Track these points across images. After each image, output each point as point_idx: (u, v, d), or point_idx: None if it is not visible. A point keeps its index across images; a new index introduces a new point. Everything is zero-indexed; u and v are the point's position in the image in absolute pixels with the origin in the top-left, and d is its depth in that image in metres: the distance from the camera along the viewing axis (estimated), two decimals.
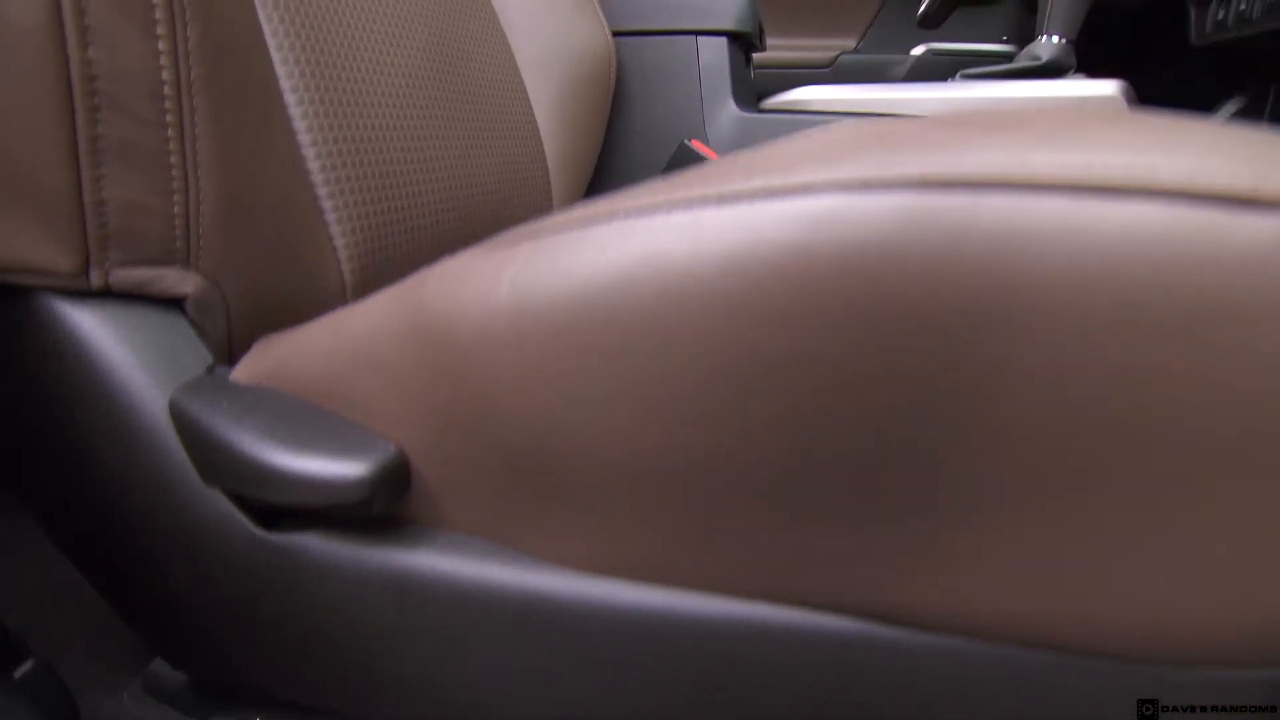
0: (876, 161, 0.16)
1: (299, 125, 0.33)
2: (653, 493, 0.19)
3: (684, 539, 0.20)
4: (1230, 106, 0.81)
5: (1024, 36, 1.33)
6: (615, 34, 0.68)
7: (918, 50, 1.36)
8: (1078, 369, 0.15)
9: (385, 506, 0.23)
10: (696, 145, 0.67)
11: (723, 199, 0.16)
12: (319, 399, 0.25)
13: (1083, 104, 0.63)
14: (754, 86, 0.79)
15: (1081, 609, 0.17)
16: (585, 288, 0.18)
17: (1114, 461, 0.15)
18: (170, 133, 0.24)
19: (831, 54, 1.43)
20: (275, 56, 0.32)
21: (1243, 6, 0.71)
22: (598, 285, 0.18)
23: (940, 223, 0.15)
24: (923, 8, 1.08)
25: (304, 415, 0.24)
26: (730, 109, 0.69)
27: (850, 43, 1.45)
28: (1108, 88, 0.63)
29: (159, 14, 0.22)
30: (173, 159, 0.24)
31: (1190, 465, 0.15)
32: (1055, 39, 0.67)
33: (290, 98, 0.33)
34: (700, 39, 0.68)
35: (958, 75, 0.69)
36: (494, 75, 0.54)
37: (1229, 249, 0.14)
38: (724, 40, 0.68)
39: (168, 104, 0.23)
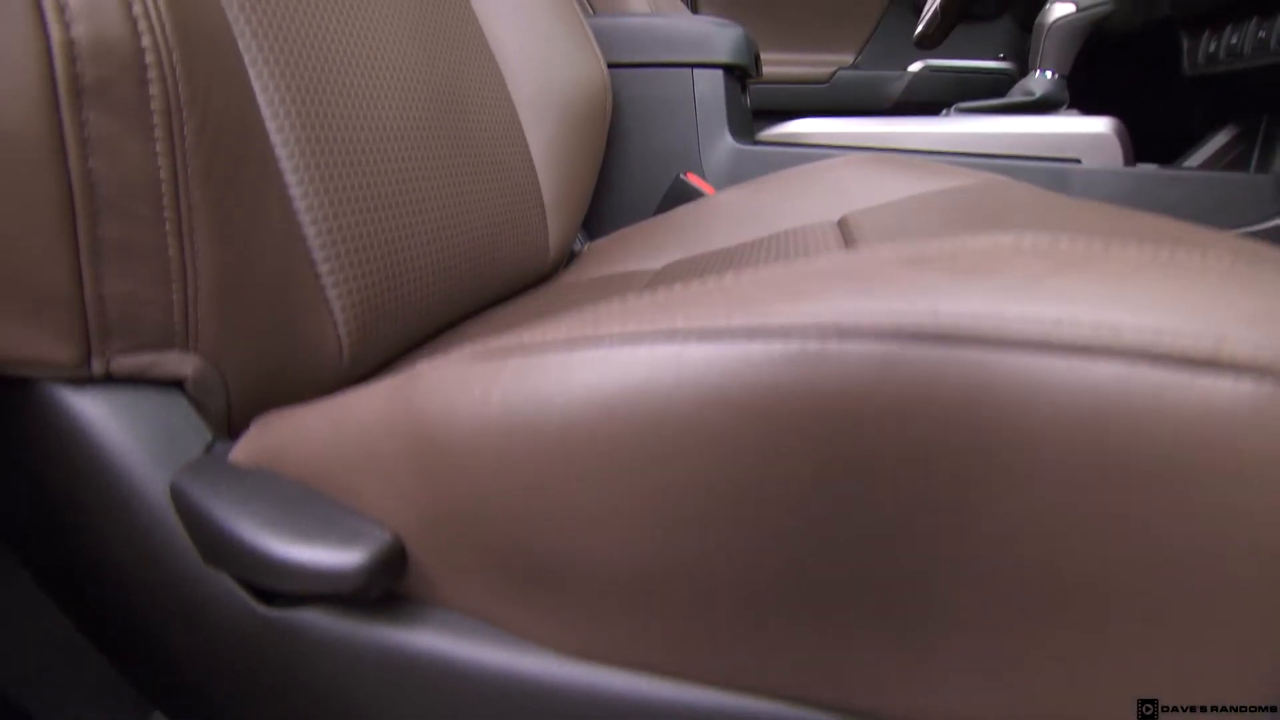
0: (855, 305, 0.16)
1: (296, 195, 0.34)
2: (637, 594, 0.20)
3: (667, 635, 0.21)
4: (1222, 136, 0.81)
5: (1020, 53, 1.34)
6: (611, 65, 0.68)
7: (915, 67, 1.37)
8: (1038, 517, 0.15)
9: (381, 590, 0.24)
10: (692, 179, 0.68)
11: (704, 335, 0.17)
12: (316, 484, 0.25)
13: (1076, 141, 0.64)
14: (750, 116, 0.79)
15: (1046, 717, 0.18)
16: (571, 414, 0.18)
17: (1071, 598, 0.16)
18: (169, 227, 0.24)
19: (829, 70, 1.43)
20: (274, 133, 0.33)
21: (1233, 40, 0.72)
22: (584, 413, 0.18)
23: (912, 374, 0.15)
24: (920, 28, 1.09)
25: (302, 503, 0.25)
26: (726, 141, 0.70)
27: (848, 58, 1.45)
28: (1099, 125, 0.63)
29: (157, 117, 0.23)
30: (171, 251, 0.25)
31: (1139, 604, 0.15)
32: (1048, 74, 0.67)
33: (287, 166, 0.33)
34: (696, 71, 0.69)
35: (952, 109, 0.69)
36: (491, 119, 0.55)
37: (1187, 410, 0.14)
38: (719, 72, 0.69)
39: (165, 201, 0.24)
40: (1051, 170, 0.63)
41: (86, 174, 0.22)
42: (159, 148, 0.23)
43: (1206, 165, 0.82)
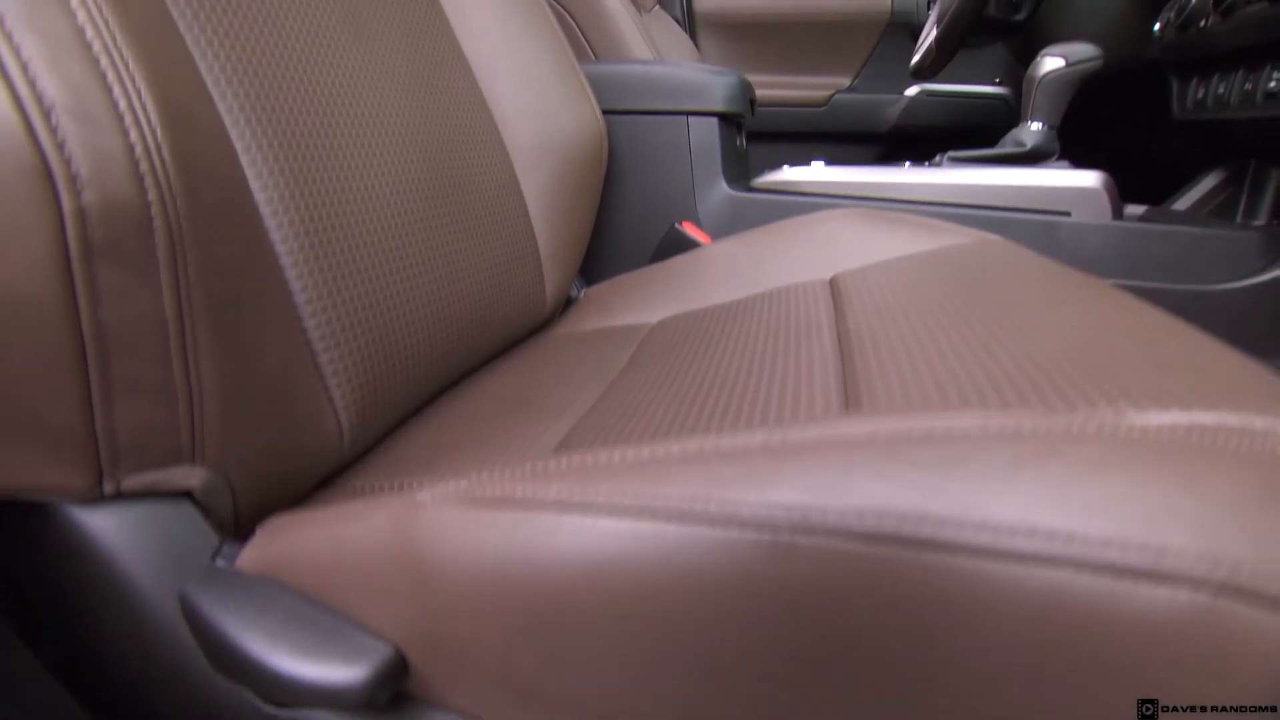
0: (822, 502, 0.17)
1: (295, 289, 0.35)
2: None
3: None
4: (1211, 179, 0.82)
5: (1015, 77, 1.35)
6: (606, 112, 0.69)
7: (911, 91, 1.38)
8: (984, 704, 0.17)
9: (385, 700, 0.25)
10: (687, 228, 0.69)
11: (683, 518, 0.18)
12: (320, 596, 0.27)
13: (1065, 194, 0.65)
14: (746, 158, 0.80)
15: None
16: (559, 576, 0.20)
17: None
18: (175, 359, 0.25)
19: (827, 93, 1.44)
20: (273, 230, 0.34)
21: (1220, 90, 0.73)
22: (569, 577, 0.19)
23: (873, 571, 0.16)
24: (916, 59, 1.09)
25: (307, 618, 0.26)
26: (721, 188, 0.71)
27: (845, 81, 1.46)
28: (1089, 179, 0.64)
29: (162, 263, 0.24)
30: (178, 381, 0.26)
31: None
32: (1039, 125, 0.68)
33: (286, 262, 0.34)
34: (691, 119, 0.70)
35: (945, 157, 0.70)
36: (487, 175, 0.56)
37: (1127, 616, 0.15)
38: (714, 120, 0.70)
39: (172, 337, 0.25)
40: (1042, 223, 0.64)
41: (97, 323, 0.23)
42: (165, 290, 0.24)
43: (1195, 207, 0.83)
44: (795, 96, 1.46)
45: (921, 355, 0.32)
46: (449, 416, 0.45)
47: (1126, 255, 0.63)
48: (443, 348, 0.46)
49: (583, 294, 0.70)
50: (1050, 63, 0.66)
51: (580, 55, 0.95)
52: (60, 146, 0.21)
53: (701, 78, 0.69)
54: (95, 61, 0.22)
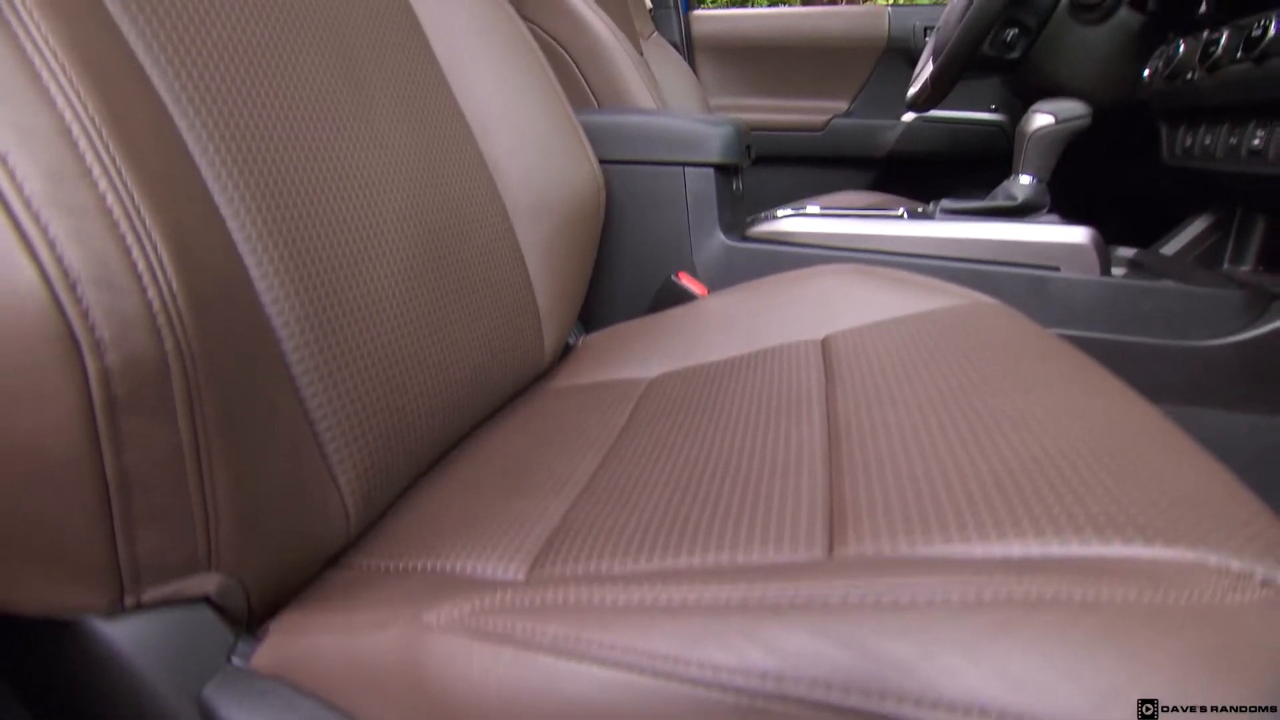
0: (795, 668, 0.19)
1: (302, 385, 0.36)
2: None
3: None
4: (1199, 224, 0.84)
5: (1011, 106, 1.36)
6: (605, 161, 0.71)
7: (908, 117, 1.39)
8: None
9: None
10: (683, 279, 0.71)
11: (670, 675, 0.20)
12: (331, 699, 0.28)
13: (1055, 250, 0.66)
14: (743, 203, 0.81)
15: None
16: (558, 714, 0.21)
17: None
18: (192, 487, 0.27)
19: (825, 117, 1.46)
20: (279, 329, 0.35)
21: (1207, 141, 0.75)
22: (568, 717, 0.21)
23: None
24: (913, 91, 1.11)
25: None
26: (718, 237, 0.72)
27: (842, 105, 1.47)
28: (1078, 235, 0.66)
29: (179, 405, 0.25)
30: (194, 506, 0.27)
31: None
32: (1029, 179, 0.70)
33: (293, 359, 0.36)
34: (688, 169, 0.71)
35: (939, 208, 0.72)
36: (486, 237, 0.57)
37: None
38: (711, 171, 0.71)
39: (189, 469, 0.26)
40: (1032, 278, 0.66)
41: (120, 467, 0.24)
42: (182, 428, 0.25)
43: (1183, 252, 0.84)
44: (793, 121, 1.47)
45: (905, 458, 0.33)
46: (450, 487, 0.46)
47: (1114, 310, 0.65)
48: (444, 418, 0.47)
49: (580, 341, 0.72)
50: (1040, 119, 0.68)
51: (581, 98, 0.96)
52: (85, 314, 0.22)
53: (698, 129, 0.70)
54: (115, 226, 0.23)
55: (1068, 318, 0.66)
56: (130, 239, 0.23)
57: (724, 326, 0.63)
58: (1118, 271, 0.69)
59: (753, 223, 0.79)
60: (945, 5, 1.51)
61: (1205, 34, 0.74)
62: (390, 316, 0.43)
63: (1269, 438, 0.62)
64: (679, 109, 1.28)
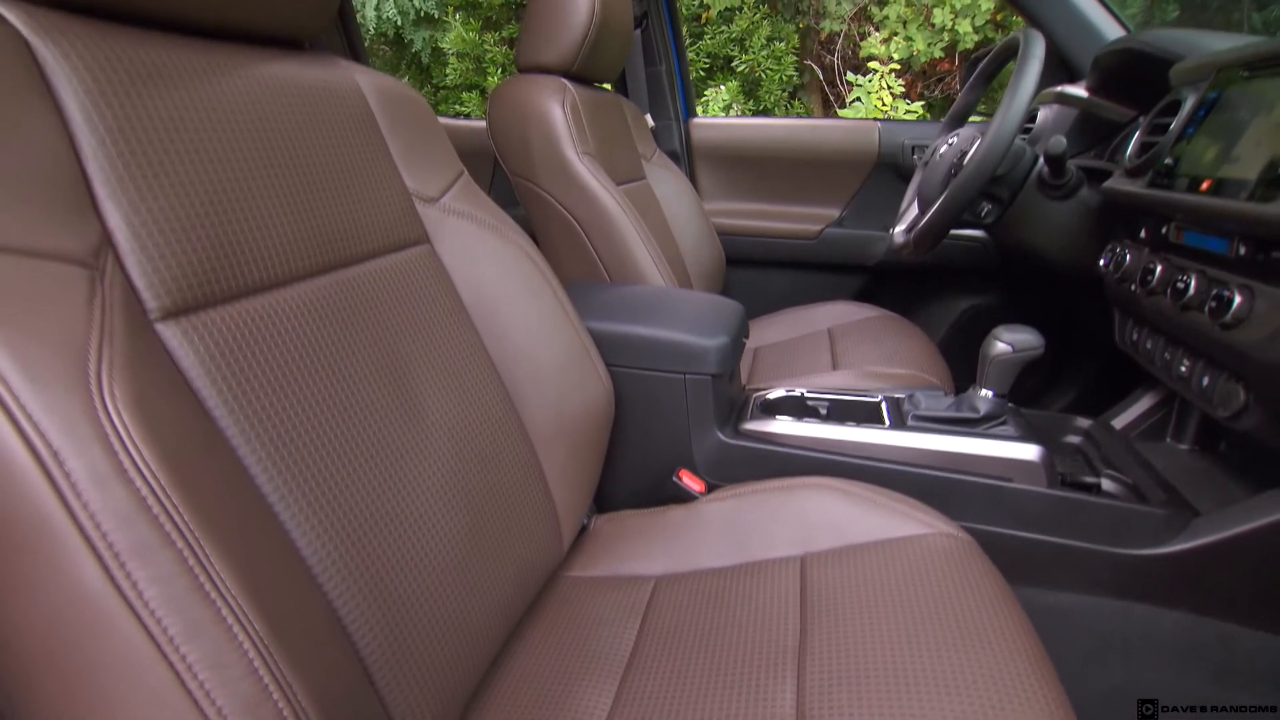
0: None
1: (360, 643, 0.45)
2: None
3: None
4: (1146, 400, 0.93)
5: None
6: (613, 366, 0.80)
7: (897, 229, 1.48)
8: None
9: None
10: (683, 477, 0.80)
11: None
12: None
13: (1009, 464, 0.76)
14: (737, 401, 0.90)
15: None
16: None
17: None
18: None
19: (818, 226, 1.54)
20: (343, 614, 0.44)
21: (1148, 345, 0.84)
22: None
23: None
24: (899, 230, 1.20)
25: None
26: (714, 435, 0.82)
27: (835, 211, 1.56)
28: (1029, 453, 0.75)
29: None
30: None
31: None
32: (989, 393, 0.79)
33: (366, 654, 0.45)
34: (689, 377, 0.80)
35: (910, 417, 0.81)
36: (512, 468, 0.66)
37: None
38: (709, 379, 0.80)
39: None
40: (989, 486, 0.76)
41: None
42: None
43: (1130, 427, 0.94)
44: (788, 229, 1.56)
45: None
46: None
47: (1059, 519, 0.75)
48: (477, 659, 0.56)
49: (593, 523, 0.81)
50: (1000, 347, 0.77)
51: (591, 267, 1.05)
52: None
53: (698, 344, 0.79)
54: (231, 634, 0.32)
55: (1018, 523, 0.76)
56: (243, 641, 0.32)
57: (718, 535, 0.73)
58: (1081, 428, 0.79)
59: (745, 404, 0.89)
60: (931, 120, 1.60)
61: (1145, 252, 0.83)
62: (434, 578, 0.52)
63: (1190, 637, 0.72)
64: (680, 223, 1.36)
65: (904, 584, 0.60)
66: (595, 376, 0.76)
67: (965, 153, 1.01)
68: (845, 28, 4.54)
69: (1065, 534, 0.75)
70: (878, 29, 4.40)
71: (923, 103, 4.24)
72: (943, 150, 1.11)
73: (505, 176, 1.16)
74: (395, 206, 0.63)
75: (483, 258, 0.70)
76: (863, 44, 4.34)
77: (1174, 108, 0.83)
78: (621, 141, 1.26)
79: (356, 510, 0.48)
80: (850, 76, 4.31)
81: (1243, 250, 0.64)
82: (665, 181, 1.39)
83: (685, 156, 1.61)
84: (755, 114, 4.62)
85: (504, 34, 4.92)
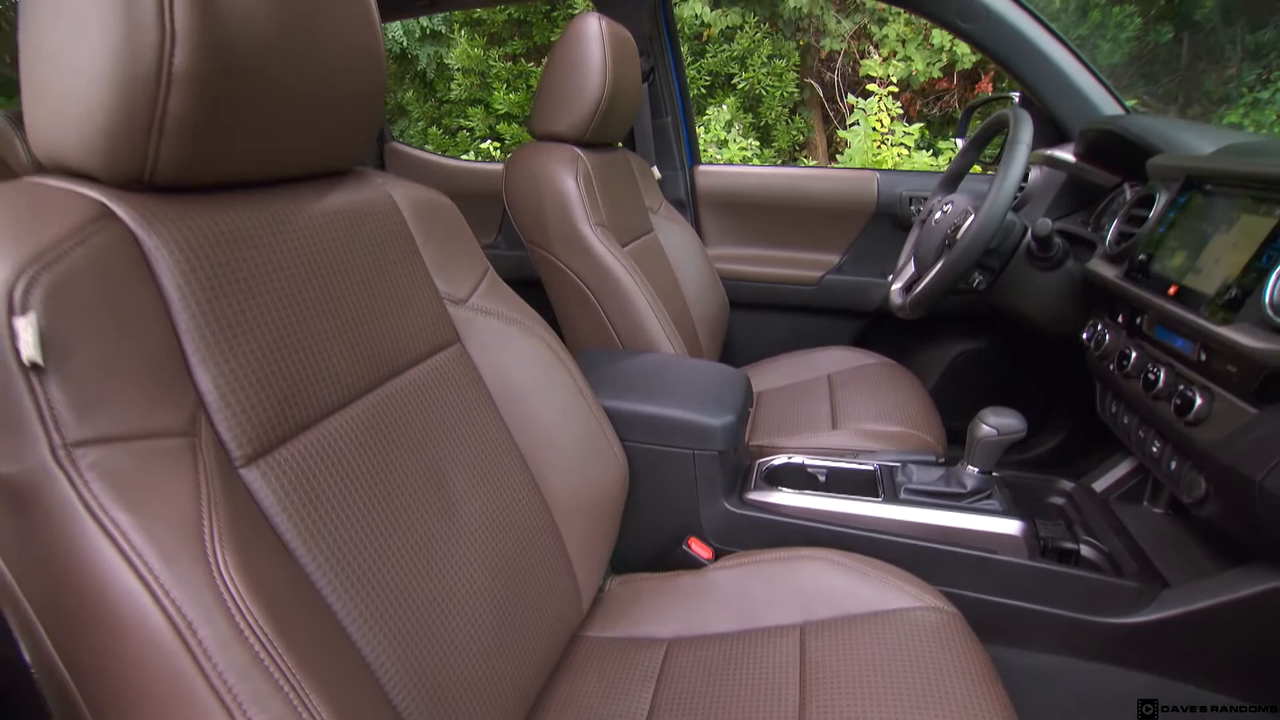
0: None
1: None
2: None
3: None
4: (1123, 466, 1.00)
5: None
6: (627, 441, 0.86)
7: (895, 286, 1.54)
8: None
9: None
10: (692, 545, 0.86)
11: None
12: None
13: (993, 538, 0.82)
14: (741, 471, 0.97)
15: None
16: None
17: None
18: None
19: (818, 273, 1.61)
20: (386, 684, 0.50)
21: (1125, 420, 0.90)
22: None
23: None
24: (897, 288, 1.26)
25: None
26: (721, 506, 0.88)
27: (834, 257, 1.62)
28: (1012, 528, 0.82)
29: None
30: None
31: None
32: (975, 471, 0.85)
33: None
34: (697, 453, 0.87)
35: (903, 490, 0.88)
36: (539, 549, 0.72)
37: None
38: (715, 454, 0.87)
39: None
40: (975, 558, 0.82)
41: None
42: None
43: (1110, 489, 1.00)
44: (790, 275, 1.62)
45: None
46: None
47: (1039, 588, 0.81)
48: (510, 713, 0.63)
49: (609, 584, 0.87)
50: (986, 430, 0.83)
51: (605, 335, 1.11)
52: None
53: (707, 424, 0.86)
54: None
55: (1001, 590, 0.82)
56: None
57: (725, 602, 0.79)
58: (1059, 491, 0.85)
59: (749, 471, 0.95)
60: (928, 172, 1.66)
61: (1123, 335, 0.89)
62: (471, 647, 0.58)
63: (1160, 700, 0.78)
64: (685, 272, 1.42)
65: (895, 660, 0.66)
66: (611, 455, 0.82)
67: (958, 226, 1.07)
68: (845, 46, 4.60)
69: (1044, 602, 0.81)
70: (877, 48, 4.46)
71: (920, 125, 4.30)
72: (937, 217, 1.17)
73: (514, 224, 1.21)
74: (430, 313, 0.70)
75: (509, 352, 0.76)
76: (863, 63, 4.40)
77: (1150, 201, 0.89)
78: (630, 199, 1.32)
79: (404, 603, 0.54)
80: (850, 99, 4.38)
81: (1204, 356, 0.70)
82: (672, 233, 1.45)
83: (690, 204, 1.67)
84: (755, 127, 4.69)
85: (508, 50, 4.98)
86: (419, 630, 0.54)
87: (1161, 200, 0.85)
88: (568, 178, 1.10)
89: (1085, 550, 0.88)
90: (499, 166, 1.87)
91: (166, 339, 0.45)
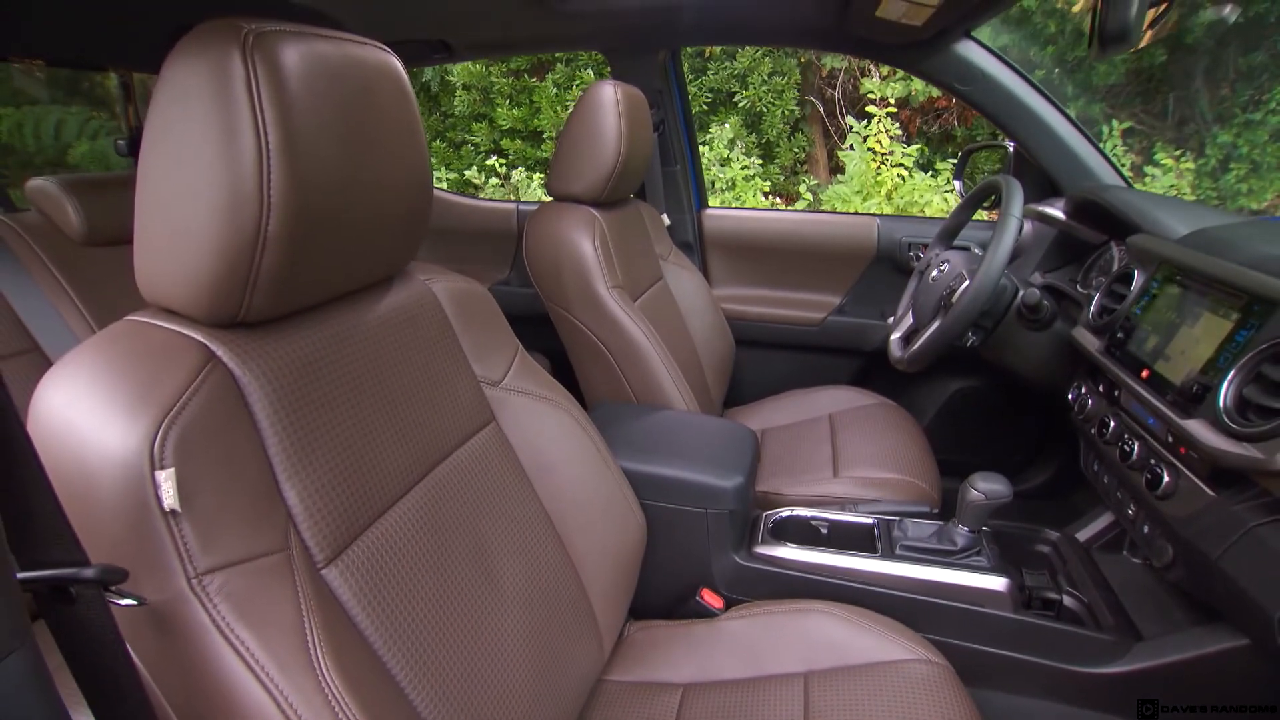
0: None
1: None
2: None
3: None
4: (1104, 519, 1.07)
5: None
6: (645, 501, 0.93)
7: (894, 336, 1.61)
8: None
9: None
10: (705, 597, 0.94)
11: None
12: None
13: (980, 593, 0.90)
14: (750, 522, 1.04)
15: None
16: None
17: None
18: None
19: (820, 314, 1.68)
20: None
21: (1105, 480, 0.98)
22: None
23: None
24: (896, 338, 1.33)
25: None
26: (731, 559, 0.95)
27: (836, 299, 1.70)
28: (998, 584, 0.89)
29: None
30: None
31: None
32: (965, 530, 0.93)
33: None
34: (710, 513, 0.94)
35: (899, 546, 0.95)
36: (568, 607, 0.79)
37: None
38: (726, 513, 0.94)
39: None
40: (964, 611, 0.89)
41: None
42: None
43: (1091, 540, 1.07)
44: (793, 316, 1.69)
45: None
46: None
47: (1022, 638, 0.88)
48: None
49: (629, 630, 0.95)
50: (974, 494, 0.90)
51: (620, 390, 1.19)
52: None
53: (718, 486, 0.93)
54: None
55: (988, 640, 0.90)
56: None
57: (735, 650, 0.86)
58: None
59: (756, 524, 1.02)
60: (926, 218, 1.73)
61: (1104, 402, 0.97)
62: (510, 699, 0.65)
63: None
64: (694, 316, 1.49)
65: (890, 712, 0.74)
66: (631, 516, 0.89)
67: (954, 290, 1.14)
68: (846, 63, 4.67)
69: (1027, 651, 0.88)
70: (877, 67, 4.53)
71: (920, 144, 4.37)
72: (934, 275, 1.24)
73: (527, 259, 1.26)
74: (469, 397, 0.77)
75: (539, 426, 0.84)
76: (862, 81, 4.47)
77: (1129, 278, 0.96)
78: (642, 251, 1.40)
79: (455, 669, 0.61)
80: (850, 121, 4.44)
81: (1170, 439, 0.77)
82: (681, 279, 1.52)
83: (698, 246, 1.74)
84: (758, 145, 4.76)
85: (510, 66, 5.05)
86: (468, 690, 0.61)
87: (1138, 282, 0.93)
88: (585, 241, 1.17)
89: (1067, 600, 0.96)
90: (511, 205, 1.94)
91: (261, 464, 0.52)
